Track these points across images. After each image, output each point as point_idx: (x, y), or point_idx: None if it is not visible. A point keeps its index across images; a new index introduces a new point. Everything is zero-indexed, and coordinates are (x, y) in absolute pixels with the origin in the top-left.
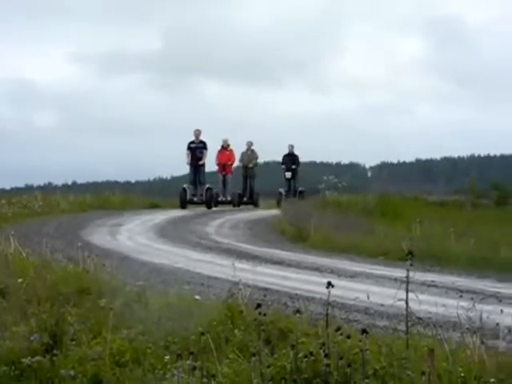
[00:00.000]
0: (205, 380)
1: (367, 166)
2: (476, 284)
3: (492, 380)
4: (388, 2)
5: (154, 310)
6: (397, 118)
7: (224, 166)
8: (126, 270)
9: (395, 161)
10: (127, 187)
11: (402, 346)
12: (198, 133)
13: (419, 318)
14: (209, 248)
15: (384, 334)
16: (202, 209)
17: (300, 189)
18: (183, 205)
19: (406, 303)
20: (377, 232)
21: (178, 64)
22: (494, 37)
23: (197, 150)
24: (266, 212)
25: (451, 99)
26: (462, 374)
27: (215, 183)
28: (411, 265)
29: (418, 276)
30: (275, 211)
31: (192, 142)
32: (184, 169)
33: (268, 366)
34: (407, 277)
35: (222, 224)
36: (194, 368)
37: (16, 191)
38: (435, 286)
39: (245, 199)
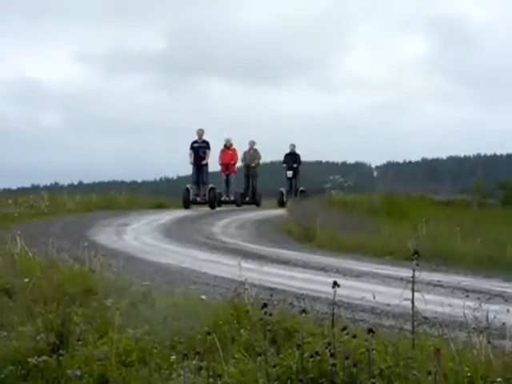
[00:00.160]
0: (211, 380)
1: (373, 166)
2: (482, 284)
3: (499, 380)
4: (392, 2)
5: (160, 310)
6: (402, 118)
7: (227, 165)
8: (132, 270)
9: (401, 160)
10: (133, 187)
11: (408, 346)
12: (200, 132)
13: (425, 318)
14: (215, 248)
15: (390, 334)
16: (207, 209)
17: (301, 188)
18: (186, 205)
19: (412, 303)
20: (383, 231)
21: (181, 64)
22: (498, 36)
23: (200, 149)
24: (272, 212)
25: (456, 99)
26: (469, 374)
27: (218, 183)
28: (417, 264)
29: (424, 276)
30: (281, 211)
31: (195, 142)
32: (189, 169)
33: (274, 366)
34: (413, 276)
35: (229, 224)
36: (200, 368)
37: (22, 191)
38: (441, 285)
39: (247, 199)
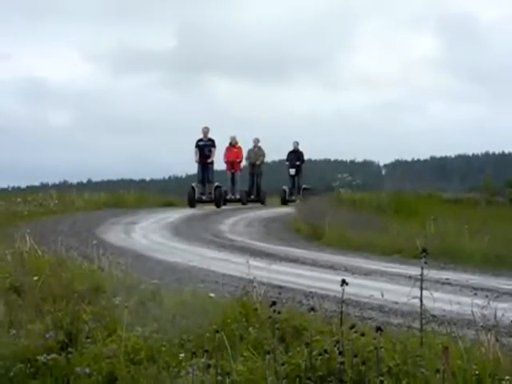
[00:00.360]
0: (219, 378)
1: (381, 164)
2: (490, 282)
3: (507, 378)
4: (400, 0)
5: (169, 308)
6: (411, 116)
7: (232, 163)
8: (141, 268)
9: (409, 158)
10: (142, 185)
11: (417, 344)
12: (206, 130)
13: (434, 316)
14: (223, 246)
15: (398, 332)
16: (214, 207)
17: (304, 186)
18: (192, 203)
19: (421, 301)
20: (391, 230)
21: (189, 62)
22: (507, 34)
23: (205, 147)
24: (280, 210)
25: (465, 97)
26: (477, 372)
27: (223, 181)
28: (425, 262)
29: (432, 274)
30: (289, 209)
31: (200, 140)
32: (196, 167)
33: (282, 364)
34: (421, 274)
35: (237, 222)
36: (209, 366)
37: (31, 189)
38: (449, 283)
39: (252, 197)
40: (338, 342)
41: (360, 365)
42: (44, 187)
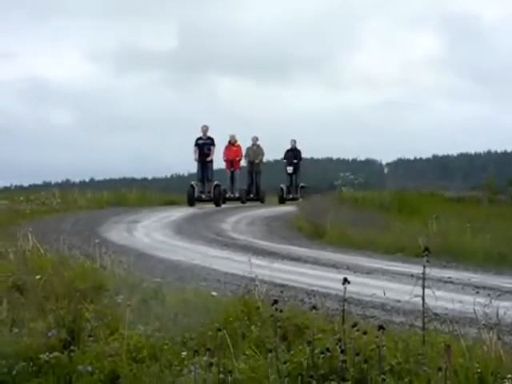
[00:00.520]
0: (221, 376)
1: (384, 163)
2: (493, 280)
3: (509, 376)
4: None
5: (171, 307)
6: (413, 115)
7: (232, 162)
8: (143, 267)
9: (412, 157)
10: (144, 184)
11: (419, 342)
12: (205, 129)
13: (436, 314)
14: (225, 244)
15: (400, 330)
16: (214, 206)
17: (301, 184)
18: (191, 202)
19: (423, 299)
20: (393, 228)
21: (192, 61)
22: (509, 33)
23: (204, 146)
24: (282, 208)
25: (467, 95)
26: (479, 370)
27: (222, 180)
28: (428, 261)
29: (434, 272)
30: (291, 207)
31: (199, 138)
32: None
33: (284, 362)
34: (423, 273)
35: (239, 220)
36: (211, 364)
37: (34, 188)
38: (452, 282)
39: (251, 195)
40: (340, 340)
41: (362, 363)
42: (47, 186)
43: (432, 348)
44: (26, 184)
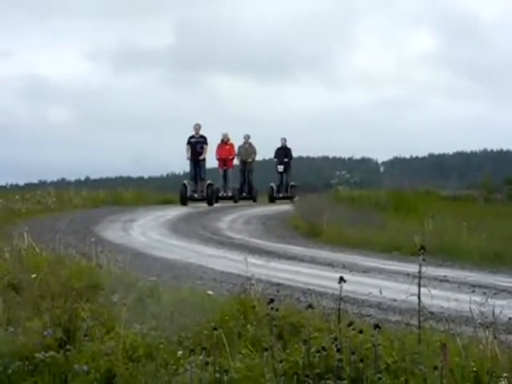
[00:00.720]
0: (217, 375)
1: (380, 161)
2: (488, 279)
3: (505, 375)
4: None
5: (167, 306)
6: (409, 113)
7: (225, 160)
8: (139, 266)
9: (408, 156)
10: (140, 183)
11: (415, 341)
12: (198, 127)
13: (432, 313)
14: (221, 243)
15: (396, 329)
16: (209, 205)
17: (292, 183)
18: (183, 201)
19: (419, 298)
20: (389, 227)
21: (190, 60)
22: (507, 32)
23: (197, 144)
24: (278, 207)
25: (464, 94)
26: (475, 369)
27: (215, 179)
28: (424, 260)
29: (430, 271)
30: (287, 206)
31: (192, 137)
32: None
33: (280, 361)
34: (419, 272)
35: (235, 219)
36: (207, 363)
37: (30, 187)
38: (447, 280)
39: (244, 194)
40: (335, 339)
41: (358, 362)
42: (42, 185)
43: (428, 347)
44: (21, 183)
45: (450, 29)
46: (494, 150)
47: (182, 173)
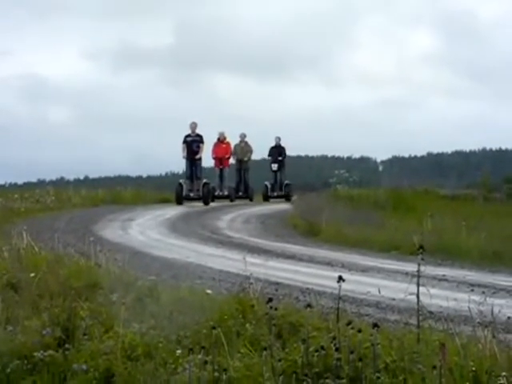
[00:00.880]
0: (216, 374)
1: (378, 160)
2: (487, 278)
3: (503, 374)
4: None
5: (166, 305)
6: (408, 112)
7: (221, 159)
8: (138, 265)
9: (407, 155)
10: (139, 182)
11: (413, 340)
12: (194, 126)
13: (430, 312)
14: (220, 242)
15: (395, 328)
16: (205, 204)
17: (286, 182)
18: (179, 200)
19: (418, 297)
20: (388, 226)
21: (190, 59)
22: (506, 31)
23: (193, 143)
24: (277, 206)
25: (463, 93)
26: (474, 368)
27: (210, 177)
28: (422, 259)
29: (429, 270)
30: (286, 205)
31: (188, 136)
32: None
33: (279, 360)
34: (418, 271)
35: (234, 218)
36: (206, 362)
37: (28, 186)
38: (446, 280)
39: (240, 193)
40: (334, 338)
41: (357, 361)
42: (41, 184)
43: (427, 346)
44: (20, 182)
45: (450, 28)
46: (493, 149)
47: (181, 172)
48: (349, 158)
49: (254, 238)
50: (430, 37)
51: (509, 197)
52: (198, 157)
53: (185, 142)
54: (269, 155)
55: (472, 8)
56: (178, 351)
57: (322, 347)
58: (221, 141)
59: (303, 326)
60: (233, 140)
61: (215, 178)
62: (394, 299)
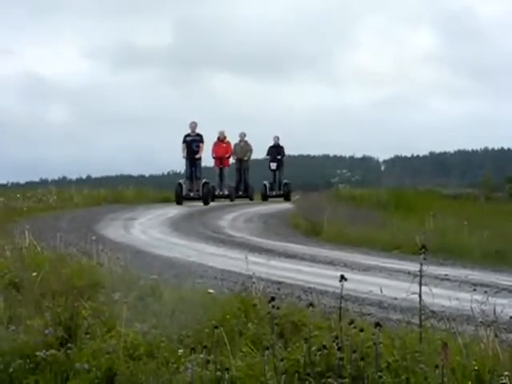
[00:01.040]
0: (218, 373)
1: (380, 160)
2: (490, 277)
3: (506, 373)
4: None
5: (168, 304)
6: (410, 112)
7: (221, 159)
8: (140, 264)
9: (409, 154)
10: (141, 181)
11: (416, 340)
12: (194, 125)
13: (433, 312)
14: (222, 242)
15: (397, 328)
16: (205, 204)
17: (285, 181)
18: (179, 200)
19: (420, 297)
20: (390, 226)
21: (188, 58)
22: (507, 30)
23: (193, 143)
24: (279, 206)
25: (464, 92)
26: (476, 368)
27: (211, 177)
28: (424, 258)
29: (431, 269)
30: (288, 205)
31: (188, 135)
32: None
33: (281, 360)
34: (420, 270)
35: (236, 218)
36: (208, 361)
37: (31, 185)
38: (449, 279)
39: (240, 193)
40: (336, 337)
41: (359, 360)
42: (43, 183)
43: (429, 345)
44: (22, 181)
45: (450, 28)
46: (496, 148)
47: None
48: (351, 158)
49: (256, 238)
50: (431, 36)
51: (511, 196)
52: (197, 156)
53: (184, 141)
54: (267, 154)
55: (472, 7)
56: (180, 350)
57: (324, 346)
58: (221, 140)
59: (305, 326)
60: (233, 139)
61: (215, 178)
62: (396, 298)
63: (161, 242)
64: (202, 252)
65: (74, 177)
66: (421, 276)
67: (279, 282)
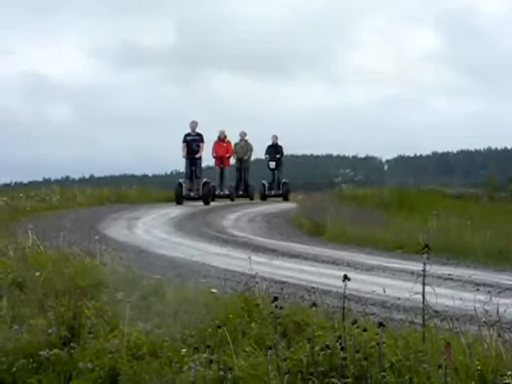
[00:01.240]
0: (221, 373)
1: (383, 160)
2: (493, 277)
3: (509, 373)
4: None
5: (171, 304)
6: (413, 111)
7: (221, 158)
8: (143, 264)
9: (412, 154)
10: (144, 181)
11: (419, 340)
12: (194, 125)
13: (436, 312)
14: (225, 241)
15: (400, 328)
16: (205, 204)
17: (284, 180)
18: (179, 200)
19: (423, 296)
20: (393, 225)
21: (192, 57)
22: (508, 29)
23: (193, 142)
24: (282, 205)
25: (467, 92)
26: (479, 368)
27: (211, 177)
28: (428, 258)
29: (434, 269)
30: (291, 204)
31: (188, 135)
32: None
33: (284, 359)
34: (424, 270)
35: (239, 217)
36: (211, 361)
37: (34, 185)
38: (452, 279)
39: (240, 192)
40: (340, 337)
41: (362, 360)
42: (46, 182)
43: (432, 345)
44: (25, 181)
45: (452, 27)
46: (499, 148)
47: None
48: (354, 158)
49: (259, 237)
50: (432, 35)
51: None
52: (197, 156)
53: (185, 141)
54: (266, 154)
55: (474, 6)
56: (184, 350)
57: (328, 346)
58: (221, 140)
59: (308, 325)
60: (233, 139)
61: (215, 177)
62: (399, 298)
63: (164, 241)
64: (205, 252)
65: (77, 176)
66: (424, 276)
67: (282, 282)
